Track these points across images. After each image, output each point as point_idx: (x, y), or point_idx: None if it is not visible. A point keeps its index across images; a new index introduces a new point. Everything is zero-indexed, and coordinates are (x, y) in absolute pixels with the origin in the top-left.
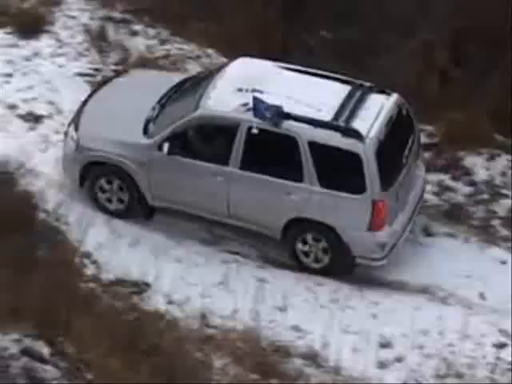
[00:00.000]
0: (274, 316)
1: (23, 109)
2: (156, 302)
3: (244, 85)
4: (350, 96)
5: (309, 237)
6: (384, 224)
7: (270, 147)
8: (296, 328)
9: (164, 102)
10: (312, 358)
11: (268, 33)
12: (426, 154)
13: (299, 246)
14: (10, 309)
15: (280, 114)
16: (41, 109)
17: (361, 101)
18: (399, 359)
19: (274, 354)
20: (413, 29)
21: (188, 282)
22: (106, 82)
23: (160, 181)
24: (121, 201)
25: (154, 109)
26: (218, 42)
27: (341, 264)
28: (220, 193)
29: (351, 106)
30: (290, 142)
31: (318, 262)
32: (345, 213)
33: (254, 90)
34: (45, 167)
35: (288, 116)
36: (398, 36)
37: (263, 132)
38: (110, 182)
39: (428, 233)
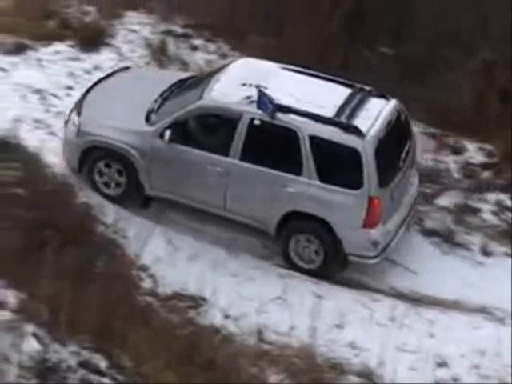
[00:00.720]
0: (331, 333)
1: None
2: (212, 316)
3: (248, 80)
4: (351, 97)
5: (302, 238)
6: (378, 222)
7: (271, 140)
8: (352, 345)
9: (166, 96)
10: (367, 375)
11: (329, 48)
12: (485, 173)
13: (292, 246)
14: (69, 321)
15: (282, 108)
16: None
17: (361, 102)
18: (456, 379)
19: (329, 371)
20: (473, 46)
21: (244, 297)
22: (108, 75)
23: (159, 169)
24: (118, 186)
25: (156, 101)
26: (278, 57)
27: (333, 263)
28: (218, 184)
29: (352, 106)
30: (291, 135)
31: (310, 263)
32: (341, 208)
33: (257, 86)
34: None
35: (290, 110)
36: (459, 53)
37: (265, 124)
38: (108, 166)
39: (486, 252)
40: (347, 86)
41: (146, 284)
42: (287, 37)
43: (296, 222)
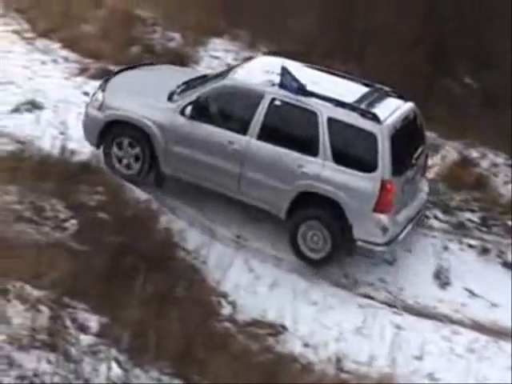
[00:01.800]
0: (410, 364)
1: None
2: (291, 344)
3: (271, 69)
4: (370, 93)
5: (312, 225)
6: (389, 208)
7: (290, 121)
8: (431, 377)
9: (190, 83)
10: None
11: (411, 77)
12: None
13: (300, 233)
14: (150, 346)
15: (304, 90)
16: None
17: (380, 98)
18: None
19: None
20: None
21: (324, 326)
22: (136, 66)
23: (176, 146)
24: (135, 162)
25: (179, 86)
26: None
27: (339, 251)
28: (234, 163)
29: (371, 99)
30: (311, 117)
31: (317, 253)
32: (354, 191)
33: (284, 67)
34: (186, 207)
35: (312, 94)
36: None
37: (285, 105)
38: (130, 144)
39: None
40: (367, 85)
41: (226, 310)
42: (369, 65)
43: (307, 206)
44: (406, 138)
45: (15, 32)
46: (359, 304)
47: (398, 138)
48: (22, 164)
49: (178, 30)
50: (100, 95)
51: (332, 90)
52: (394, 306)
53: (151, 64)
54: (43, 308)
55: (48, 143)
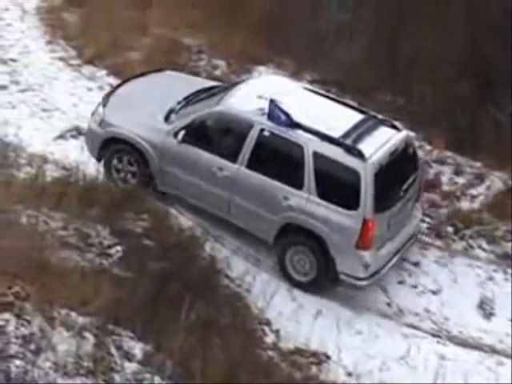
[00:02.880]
0: None
1: None
2: (335, 373)
3: (265, 93)
4: (361, 122)
5: (298, 250)
6: (371, 245)
7: (278, 152)
8: None
9: (190, 99)
10: None
11: (457, 107)
12: None
13: (288, 257)
14: (194, 374)
15: (291, 123)
16: None
17: (371, 129)
18: None
19: None
20: None
21: (367, 355)
22: (141, 74)
23: (170, 167)
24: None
25: (179, 103)
26: (405, 115)
27: (324, 279)
28: (224, 188)
29: (361, 130)
30: (297, 149)
31: (303, 276)
32: (336, 226)
33: (271, 99)
34: (231, 235)
35: (299, 126)
36: None
37: (274, 136)
38: (129, 161)
39: None
40: (361, 112)
41: (269, 338)
42: (414, 96)
43: (293, 234)
44: (394, 172)
45: (61, 59)
46: (403, 334)
47: (384, 174)
48: (67, 190)
49: (223, 57)
50: (101, 110)
51: (322, 119)
52: (439, 336)
53: (157, 71)
54: (88, 335)
55: (93, 169)
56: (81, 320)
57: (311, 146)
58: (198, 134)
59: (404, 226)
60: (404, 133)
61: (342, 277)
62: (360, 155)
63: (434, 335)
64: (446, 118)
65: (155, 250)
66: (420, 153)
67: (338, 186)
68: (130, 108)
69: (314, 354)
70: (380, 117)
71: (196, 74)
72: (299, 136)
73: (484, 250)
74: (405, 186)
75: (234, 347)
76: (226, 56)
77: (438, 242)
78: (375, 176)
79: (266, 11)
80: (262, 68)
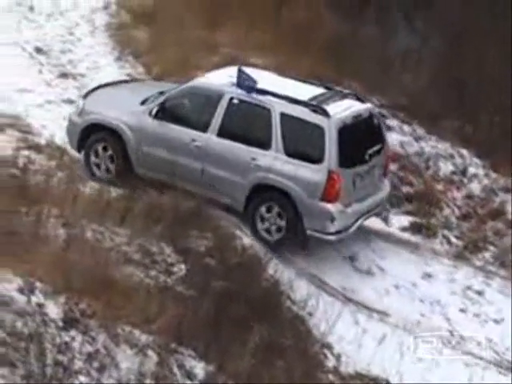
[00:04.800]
0: None
1: None
2: None
3: (235, 73)
4: (327, 93)
5: (266, 210)
6: (337, 197)
7: (247, 117)
8: None
9: (163, 92)
10: None
11: None
12: None
13: (259, 222)
14: None
15: (260, 89)
16: None
17: (337, 99)
18: None
19: None
20: None
21: (428, 382)
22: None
23: (145, 147)
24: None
25: (153, 95)
26: (473, 143)
27: (293, 237)
28: (196, 158)
29: (327, 97)
30: (265, 112)
31: (274, 235)
32: (303, 181)
33: (240, 68)
34: (294, 256)
35: (267, 92)
36: None
37: (243, 103)
38: (104, 149)
39: None
40: (329, 88)
41: (330, 362)
42: (483, 123)
43: (262, 194)
44: (358, 134)
45: (129, 75)
46: (465, 363)
47: (348, 133)
48: (132, 206)
49: (289, 78)
50: (81, 103)
51: (292, 90)
52: (500, 366)
53: (133, 81)
54: (151, 353)
55: (157, 186)
56: (144, 338)
57: (278, 107)
58: (171, 110)
59: (371, 195)
60: (368, 104)
61: (310, 232)
62: (324, 113)
63: (495, 365)
64: None
65: (218, 269)
66: (486, 181)
67: (303, 143)
68: (108, 99)
69: (375, 380)
70: (347, 91)
71: None
72: (267, 100)
73: None
74: (369, 152)
75: (296, 370)
76: (293, 76)
77: (502, 272)
78: (339, 132)
79: (334, 34)
80: None
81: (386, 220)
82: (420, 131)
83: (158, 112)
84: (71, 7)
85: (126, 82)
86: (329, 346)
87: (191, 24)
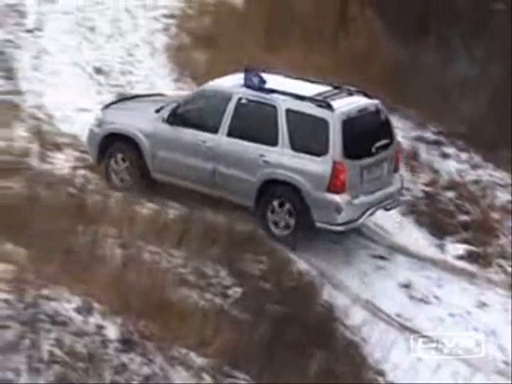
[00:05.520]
0: None
1: None
2: None
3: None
4: (334, 90)
5: (276, 204)
6: (343, 188)
7: (254, 116)
8: None
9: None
10: None
11: None
12: None
13: (269, 215)
14: None
15: (266, 88)
16: None
17: (344, 95)
18: None
19: None
20: None
21: None
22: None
23: (160, 151)
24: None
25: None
26: None
27: (302, 231)
28: (208, 159)
29: (333, 94)
30: (271, 110)
31: (284, 230)
32: (309, 174)
33: (247, 67)
34: (349, 281)
35: (273, 91)
36: None
37: (250, 102)
38: (123, 158)
39: None
40: (336, 87)
41: None
42: None
43: (272, 190)
44: (364, 128)
45: None
46: None
47: (353, 126)
48: (188, 228)
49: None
50: (100, 113)
51: (298, 88)
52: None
53: (154, 95)
54: (206, 376)
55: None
56: (199, 361)
57: (283, 104)
58: (183, 114)
59: (380, 189)
60: (375, 101)
61: (318, 224)
62: (329, 106)
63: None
64: None
65: (273, 293)
66: None
67: (309, 137)
68: (126, 109)
69: None
70: (355, 89)
71: None
72: (273, 98)
73: None
74: (376, 145)
75: None
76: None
77: None
78: (343, 124)
79: (393, 61)
80: None
81: (441, 248)
82: (477, 159)
83: (170, 117)
84: (131, 29)
85: (147, 96)
86: (381, 373)
87: (250, 46)
